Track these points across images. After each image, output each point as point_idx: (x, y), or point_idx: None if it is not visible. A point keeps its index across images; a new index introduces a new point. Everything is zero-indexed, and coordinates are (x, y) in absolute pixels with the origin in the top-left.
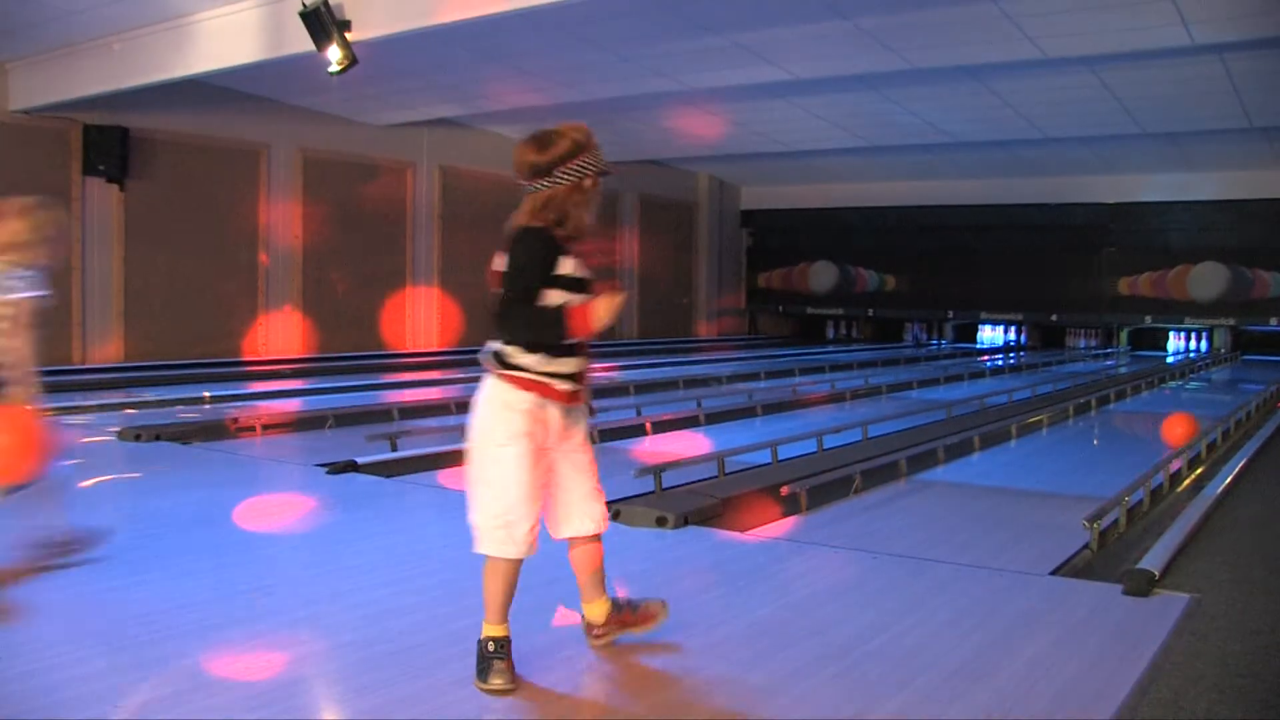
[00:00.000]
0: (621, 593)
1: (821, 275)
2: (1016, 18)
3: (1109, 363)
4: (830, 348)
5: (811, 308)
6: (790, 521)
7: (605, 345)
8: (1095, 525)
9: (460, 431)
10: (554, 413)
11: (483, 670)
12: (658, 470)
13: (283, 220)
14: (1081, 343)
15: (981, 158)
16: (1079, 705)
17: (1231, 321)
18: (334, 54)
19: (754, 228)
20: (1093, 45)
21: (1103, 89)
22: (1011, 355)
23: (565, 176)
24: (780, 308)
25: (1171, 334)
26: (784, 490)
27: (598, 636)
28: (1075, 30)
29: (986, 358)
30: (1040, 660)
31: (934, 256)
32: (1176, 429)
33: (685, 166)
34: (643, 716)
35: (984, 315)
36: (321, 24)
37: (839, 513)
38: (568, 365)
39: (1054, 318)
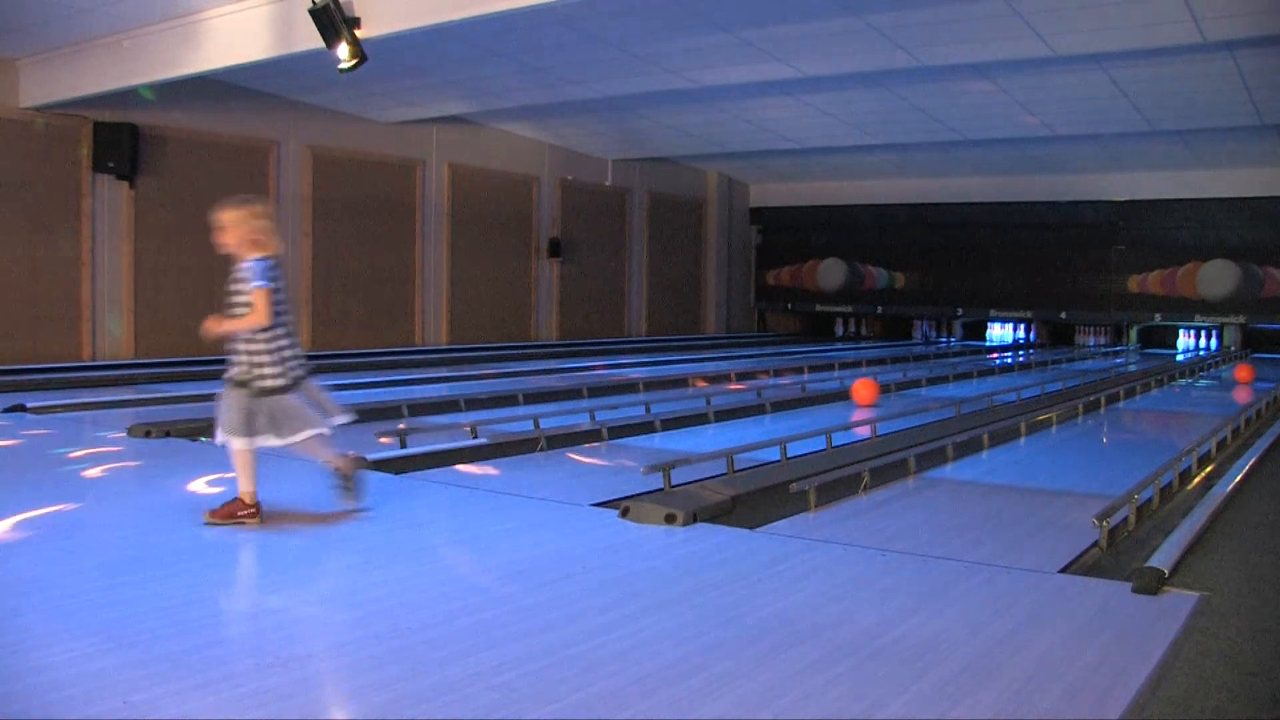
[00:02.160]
0: None
1: (830, 273)
2: (1026, 15)
3: (1118, 360)
4: (838, 345)
5: (820, 305)
6: (799, 519)
7: (616, 343)
8: (1105, 523)
9: (469, 427)
10: None
11: None
12: (667, 467)
13: (291, 217)
14: (1091, 340)
15: (991, 155)
16: (1088, 704)
17: (1242, 319)
18: (343, 51)
19: (763, 225)
20: (1103, 42)
21: (1112, 86)
22: (1020, 353)
23: None
24: (789, 305)
25: (1181, 332)
26: (793, 487)
27: None
28: (1085, 27)
29: (995, 355)
30: (1049, 658)
31: (943, 254)
32: (1243, 372)
33: (694, 164)
34: (646, 716)
35: (993, 313)
36: (331, 21)
37: (848, 510)
38: None
39: (1063, 315)
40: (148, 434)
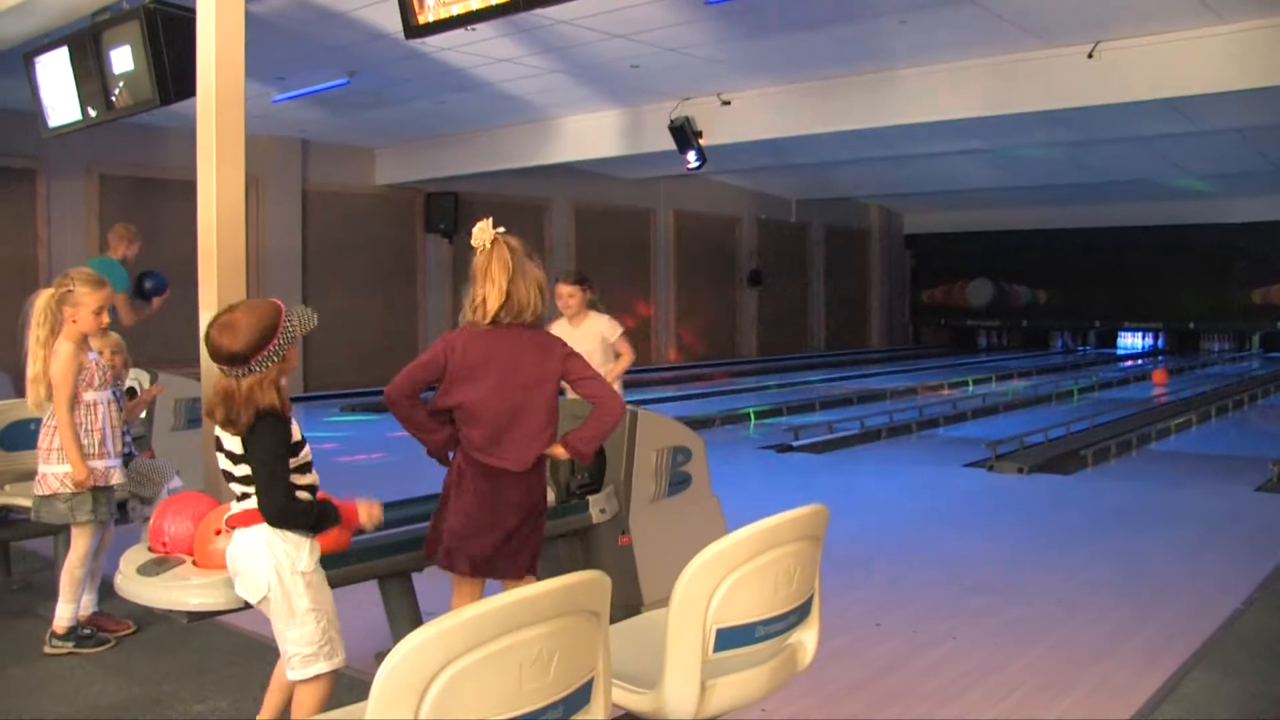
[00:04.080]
0: None
1: (979, 291)
2: (1181, 108)
3: (1244, 365)
4: (983, 356)
5: (970, 320)
6: (1083, 472)
7: (800, 357)
8: (1277, 466)
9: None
10: None
11: None
12: (995, 445)
13: (561, 258)
14: (1215, 346)
15: (1125, 188)
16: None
17: None
18: (691, 155)
19: (916, 250)
20: (1244, 119)
21: (1241, 140)
22: (1159, 359)
23: (263, 364)
24: (942, 320)
25: None
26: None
27: None
28: (1230, 110)
29: (1129, 362)
30: (1249, 531)
31: (1082, 273)
32: None
33: (860, 199)
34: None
35: (1126, 324)
36: (684, 135)
37: (1112, 466)
38: None
39: (1191, 325)
40: None
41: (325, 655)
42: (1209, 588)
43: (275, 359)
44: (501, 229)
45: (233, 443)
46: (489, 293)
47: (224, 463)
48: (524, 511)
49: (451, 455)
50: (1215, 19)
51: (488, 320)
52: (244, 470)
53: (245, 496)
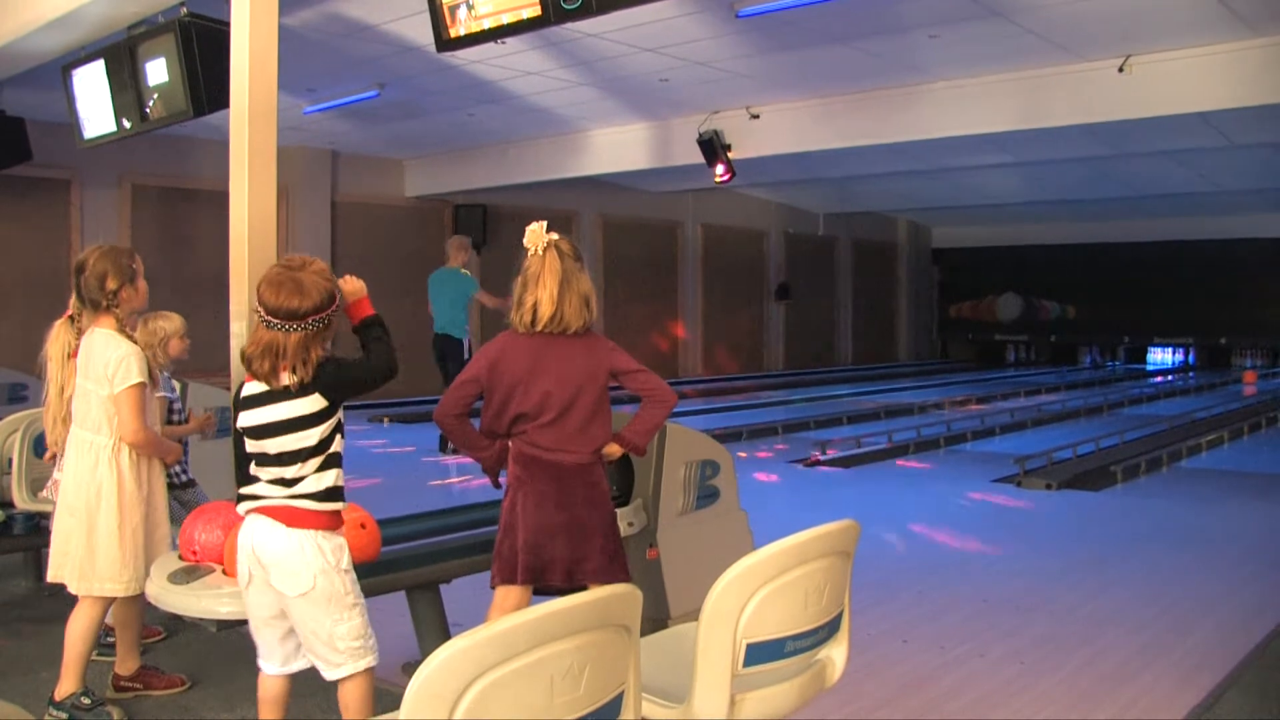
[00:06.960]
0: None
1: (1007, 306)
2: (1214, 121)
3: (1277, 381)
4: (1011, 371)
5: (999, 335)
6: (1114, 488)
7: (827, 371)
8: None
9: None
10: None
11: None
12: (1024, 460)
13: (589, 271)
14: (1247, 363)
15: (1158, 203)
16: None
17: None
18: (719, 169)
19: (944, 264)
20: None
21: (1277, 156)
22: (1190, 375)
23: (318, 324)
24: (970, 335)
25: None
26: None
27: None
28: (1263, 124)
29: (1159, 377)
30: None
31: (1111, 287)
32: None
33: (887, 213)
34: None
35: (1156, 339)
36: (712, 148)
37: (1143, 483)
38: None
39: (1222, 341)
40: None
41: (371, 649)
42: (1242, 608)
43: (328, 322)
44: (555, 234)
45: (300, 405)
46: (541, 299)
47: (276, 444)
48: (592, 503)
49: (503, 477)
50: (1249, 32)
51: (538, 328)
52: (307, 441)
53: (294, 482)
